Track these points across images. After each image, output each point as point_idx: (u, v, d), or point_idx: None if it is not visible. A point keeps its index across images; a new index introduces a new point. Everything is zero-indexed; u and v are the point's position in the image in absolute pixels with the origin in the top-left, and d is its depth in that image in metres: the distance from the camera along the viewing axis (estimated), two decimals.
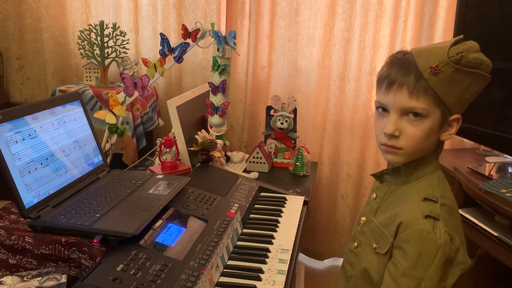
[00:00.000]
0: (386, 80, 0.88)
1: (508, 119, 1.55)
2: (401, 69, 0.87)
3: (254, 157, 1.81)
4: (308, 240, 2.33)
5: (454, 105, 0.87)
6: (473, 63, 0.83)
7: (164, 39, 1.47)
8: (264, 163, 1.81)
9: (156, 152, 1.68)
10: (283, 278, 0.98)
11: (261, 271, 1.00)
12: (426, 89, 0.85)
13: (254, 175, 1.74)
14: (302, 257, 2.36)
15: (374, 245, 0.91)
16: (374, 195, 1.00)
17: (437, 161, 0.93)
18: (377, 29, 2.02)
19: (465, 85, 0.85)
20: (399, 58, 0.89)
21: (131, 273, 0.86)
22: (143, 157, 1.80)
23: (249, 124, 2.24)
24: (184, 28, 1.49)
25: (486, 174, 1.60)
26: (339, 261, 2.25)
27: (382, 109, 0.91)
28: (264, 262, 1.04)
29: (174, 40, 2.14)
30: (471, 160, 1.80)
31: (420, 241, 0.82)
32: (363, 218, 1.00)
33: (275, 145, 1.91)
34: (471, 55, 0.83)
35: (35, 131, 1.09)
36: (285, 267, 1.03)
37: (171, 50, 1.48)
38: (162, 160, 1.47)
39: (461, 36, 0.86)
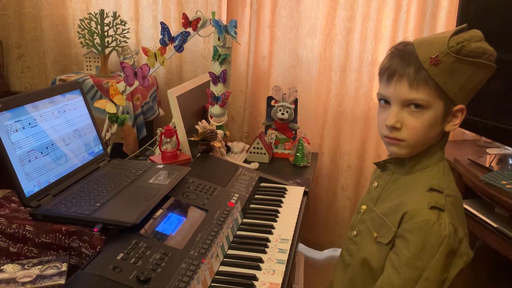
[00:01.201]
0: (386, 72, 0.88)
1: (509, 111, 1.55)
2: (401, 60, 0.86)
3: (254, 148, 1.81)
4: (308, 231, 2.33)
5: (457, 95, 0.86)
6: (475, 53, 0.82)
7: (164, 28, 1.46)
8: (265, 154, 1.81)
9: (157, 142, 1.67)
10: (282, 267, 0.98)
11: (261, 260, 1.00)
12: (427, 80, 0.84)
13: (255, 165, 1.74)
14: (301, 247, 2.37)
15: (375, 234, 0.91)
16: (376, 184, 0.99)
17: (442, 152, 0.93)
18: (379, 19, 2.01)
19: (467, 75, 0.84)
20: (399, 50, 0.88)
21: (132, 261, 0.86)
22: (143, 147, 1.80)
23: (249, 114, 2.23)
24: (185, 17, 1.48)
25: (487, 165, 1.60)
26: (339, 252, 2.26)
27: (384, 101, 0.90)
28: (264, 252, 1.05)
29: (175, 29, 2.13)
30: (472, 151, 1.79)
31: (425, 232, 0.82)
32: (363, 207, 1.00)
33: (276, 135, 1.91)
34: (473, 44, 0.82)
35: (35, 120, 1.08)
36: (284, 257, 1.03)
37: (172, 39, 1.47)
38: (163, 150, 1.47)
39: (465, 25, 0.85)
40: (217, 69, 1.45)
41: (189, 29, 1.48)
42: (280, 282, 0.93)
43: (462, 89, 0.85)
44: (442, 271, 0.82)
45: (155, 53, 1.48)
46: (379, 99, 0.92)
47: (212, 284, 0.91)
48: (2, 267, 0.90)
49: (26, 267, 0.91)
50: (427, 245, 0.82)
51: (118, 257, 0.87)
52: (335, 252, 2.37)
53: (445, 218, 0.83)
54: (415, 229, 0.83)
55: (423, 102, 0.85)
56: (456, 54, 0.82)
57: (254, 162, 1.77)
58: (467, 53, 0.82)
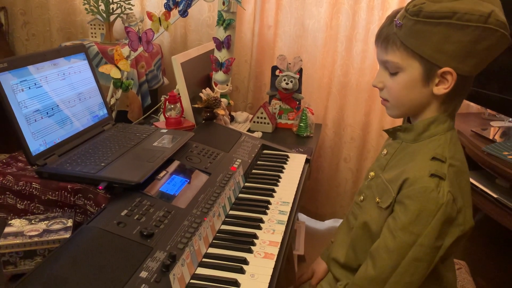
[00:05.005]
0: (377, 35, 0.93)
1: None
2: (385, 24, 0.91)
3: (258, 117, 1.82)
4: (310, 201, 2.36)
5: (436, 57, 0.83)
6: (439, 14, 0.79)
7: None
8: (268, 124, 1.82)
9: (161, 109, 1.68)
10: (282, 227, 1.01)
11: (261, 220, 1.03)
12: (396, 43, 0.87)
13: (258, 135, 1.75)
14: (303, 217, 2.40)
15: (377, 199, 0.93)
16: (385, 151, 1.00)
17: (451, 121, 0.91)
18: None
19: (440, 36, 0.81)
20: (392, 14, 0.91)
21: (135, 218, 0.89)
22: (147, 113, 1.81)
23: (254, 85, 2.23)
24: None
25: (490, 137, 1.60)
26: (340, 222, 2.29)
27: None
28: (265, 213, 1.07)
29: None
30: (476, 124, 1.79)
31: (423, 199, 0.83)
32: (372, 173, 1.01)
33: (280, 106, 1.90)
34: (436, 5, 0.80)
35: (40, 81, 1.09)
36: (285, 218, 1.05)
37: (176, 4, 1.46)
38: (167, 116, 1.48)
39: None
40: (221, 34, 1.44)
41: None
42: (280, 240, 0.95)
43: (439, 50, 0.82)
44: (436, 238, 0.83)
45: (159, 17, 1.48)
46: None
47: (213, 241, 0.94)
48: (10, 222, 0.93)
49: (33, 222, 0.93)
50: (424, 212, 0.82)
51: (122, 213, 0.89)
52: (336, 222, 2.40)
53: (444, 186, 0.83)
54: (413, 195, 0.84)
55: (394, 65, 0.88)
56: (414, 16, 0.82)
57: (257, 131, 1.78)
58: (428, 14, 0.80)
